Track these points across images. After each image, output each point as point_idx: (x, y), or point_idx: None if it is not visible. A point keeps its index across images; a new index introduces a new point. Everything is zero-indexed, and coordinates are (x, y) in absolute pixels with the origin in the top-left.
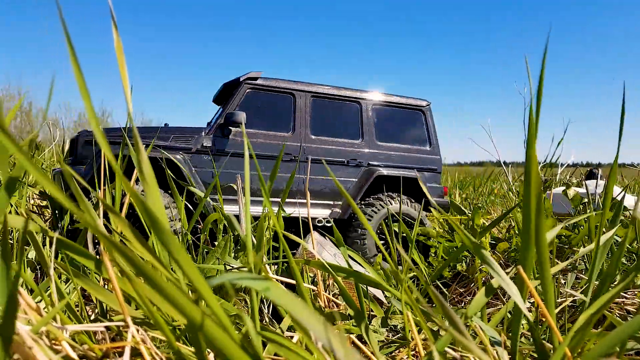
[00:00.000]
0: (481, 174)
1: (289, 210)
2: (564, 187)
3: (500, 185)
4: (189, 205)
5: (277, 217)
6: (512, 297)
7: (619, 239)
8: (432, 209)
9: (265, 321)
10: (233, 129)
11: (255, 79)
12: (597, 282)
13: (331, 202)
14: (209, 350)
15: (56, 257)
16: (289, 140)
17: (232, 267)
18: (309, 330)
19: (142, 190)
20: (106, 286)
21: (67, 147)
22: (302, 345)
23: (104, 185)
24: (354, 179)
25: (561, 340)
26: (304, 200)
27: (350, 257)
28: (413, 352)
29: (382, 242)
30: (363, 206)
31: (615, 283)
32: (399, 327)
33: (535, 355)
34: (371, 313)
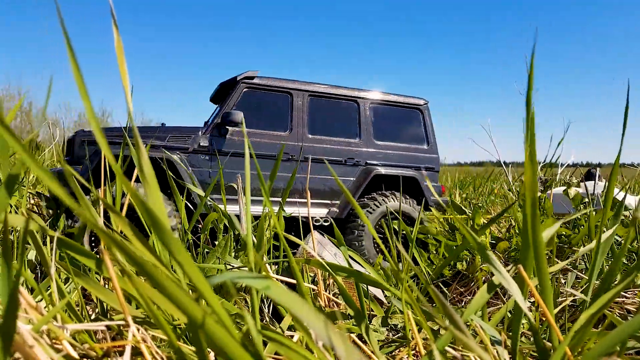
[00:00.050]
0: (481, 174)
1: (288, 210)
2: (564, 187)
3: (500, 185)
4: (190, 205)
5: (278, 217)
6: (512, 296)
7: (620, 239)
8: (432, 208)
9: (266, 320)
10: (230, 128)
11: (252, 78)
12: (597, 282)
13: (329, 202)
14: (209, 349)
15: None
16: (286, 139)
17: (233, 266)
18: (310, 329)
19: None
20: (106, 285)
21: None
22: (302, 345)
23: (104, 184)
24: (351, 178)
25: (561, 339)
26: (302, 200)
27: (350, 257)
28: (413, 352)
29: (381, 239)
30: (359, 202)
31: (616, 283)
32: (399, 326)
33: (536, 354)
34: (371, 313)
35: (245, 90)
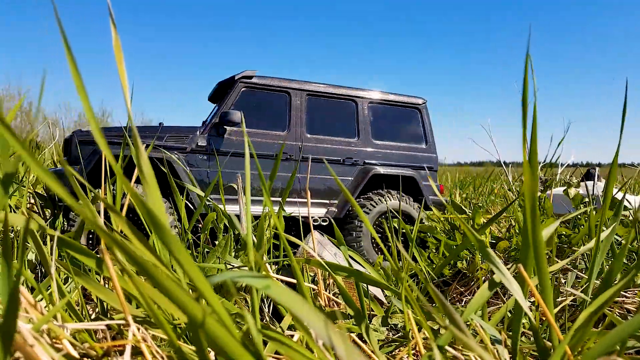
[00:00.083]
0: (481, 174)
1: (287, 210)
2: (564, 188)
3: (500, 185)
4: (188, 205)
5: (278, 217)
6: (512, 295)
7: (620, 239)
8: (433, 207)
9: (266, 320)
10: (228, 128)
11: (250, 77)
12: (597, 282)
13: (327, 201)
14: (210, 348)
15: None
16: (285, 139)
17: (233, 265)
18: (310, 328)
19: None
20: (107, 285)
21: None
22: (302, 344)
23: (105, 184)
24: (349, 178)
25: (561, 338)
26: (300, 200)
27: (350, 256)
28: (413, 351)
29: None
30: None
31: (616, 282)
32: (399, 326)
33: (536, 354)
34: (371, 312)
35: (243, 89)
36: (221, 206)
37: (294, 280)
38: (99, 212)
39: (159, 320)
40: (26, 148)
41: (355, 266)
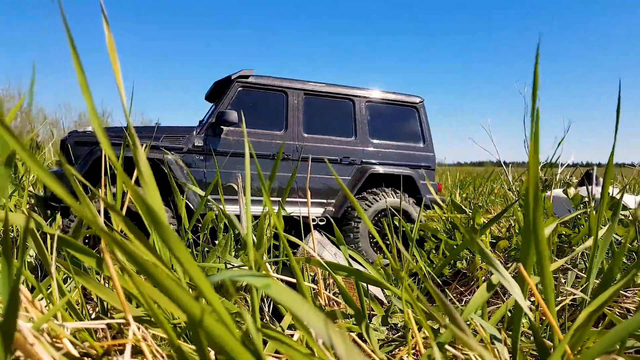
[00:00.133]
0: (481, 174)
1: (285, 209)
2: (564, 188)
3: (500, 185)
4: (190, 204)
5: (278, 216)
6: (512, 295)
7: (620, 239)
8: (434, 206)
9: (266, 320)
10: (225, 128)
11: (247, 77)
12: (597, 281)
13: (324, 201)
14: (209, 347)
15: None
16: (282, 138)
17: (233, 265)
18: (310, 328)
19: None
20: (107, 284)
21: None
22: (302, 343)
23: (105, 184)
24: (347, 177)
25: (561, 337)
26: (297, 199)
27: (350, 256)
28: (413, 351)
29: (375, 239)
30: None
31: (616, 281)
32: (399, 325)
33: (536, 353)
34: (371, 312)
35: (240, 89)
36: (220, 206)
37: (294, 280)
38: (98, 212)
39: (159, 319)
40: (25, 148)
41: (355, 266)
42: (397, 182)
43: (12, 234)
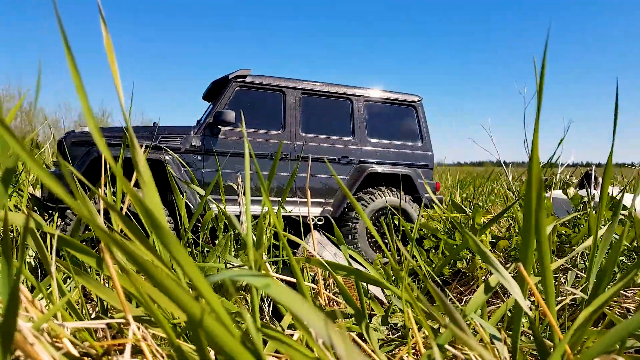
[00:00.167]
0: (481, 174)
1: (277, 208)
2: (564, 188)
3: (500, 185)
4: (190, 204)
5: (277, 216)
6: (512, 295)
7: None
8: (435, 206)
9: (266, 319)
10: (222, 127)
11: (245, 76)
12: (597, 281)
13: (322, 200)
14: (209, 347)
15: (57, 255)
16: (280, 138)
17: (233, 265)
18: (310, 327)
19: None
20: (107, 284)
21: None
22: (302, 343)
23: (104, 184)
24: (345, 177)
25: (561, 337)
26: (294, 199)
27: (350, 256)
28: (413, 350)
29: (374, 238)
30: (349, 203)
31: (616, 281)
32: (399, 325)
33: (536, 353)
34: (371, 312)
35: (237, 88)
36: (220, 206)
37: (294, 280)
38: (98, 212)
39: (158, 319)
40: (25, 149)
41: (355, 265)
42: (395, 181)
43: (12, 234)
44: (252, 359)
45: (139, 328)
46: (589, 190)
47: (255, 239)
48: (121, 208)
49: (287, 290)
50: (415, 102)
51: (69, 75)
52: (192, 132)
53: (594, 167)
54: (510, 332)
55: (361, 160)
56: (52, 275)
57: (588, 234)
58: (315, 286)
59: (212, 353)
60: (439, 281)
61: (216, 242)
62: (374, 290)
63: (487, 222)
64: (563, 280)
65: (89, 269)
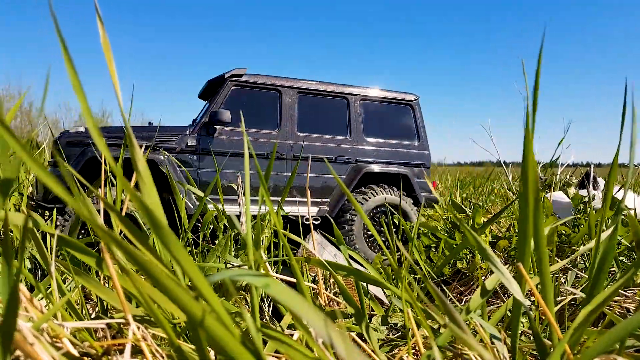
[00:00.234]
0: (481, 174)
1: (276, 208)
2: (564, 187)
3: (500, 185)
4: (191, 204)
5: (277, 216)
6: (512, 293)
7: (620, 239)
8: (436, 206)
9: (266, 319)
10: (218, 127)
11: (241, 75)
12: (594, 280)
13: (319, 200)
14: (209, 347)
15: (56, 255)
16: (276, 137)
17: (233, 265)
18: (310, 327)
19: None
20: (107, 284)
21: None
22: (302, 343)
23: (104, 185)
24: (342, 176)
25: (561, 337)
26: (293, 199)
27: (350, 256)
28: (413, 350)
29: (372, 238)
30: (346, 202)
31: (616, 280)
32: (399, 325)
33: (535, 352)
34: (371, 312)
35: (233, 88)
36: (219, 206)
37: (294, 280)
38: (98, 212)
39: (158, 319)
40: (25, 148)
41: (355, 266)
42: (392, 180)
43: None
44: (252, 359)
45: (138, 328)
46: (589, 190)
47: (253, 238)
48: (121, 208)
49: (287, 290)
50: (411, 101)
51: (68, 75)
52: (187, 131)
53: (592, 167)
54: (510, 332)
55: (358, 160)
56: (51, 275)
57: (588, 233)
58: (315, 286)
59: (212, 353)
60: (438, 282)
61: (216, 242)
62: (374, 290)
63: (486, 221)
64: (563, 280)
65: (88, 269)
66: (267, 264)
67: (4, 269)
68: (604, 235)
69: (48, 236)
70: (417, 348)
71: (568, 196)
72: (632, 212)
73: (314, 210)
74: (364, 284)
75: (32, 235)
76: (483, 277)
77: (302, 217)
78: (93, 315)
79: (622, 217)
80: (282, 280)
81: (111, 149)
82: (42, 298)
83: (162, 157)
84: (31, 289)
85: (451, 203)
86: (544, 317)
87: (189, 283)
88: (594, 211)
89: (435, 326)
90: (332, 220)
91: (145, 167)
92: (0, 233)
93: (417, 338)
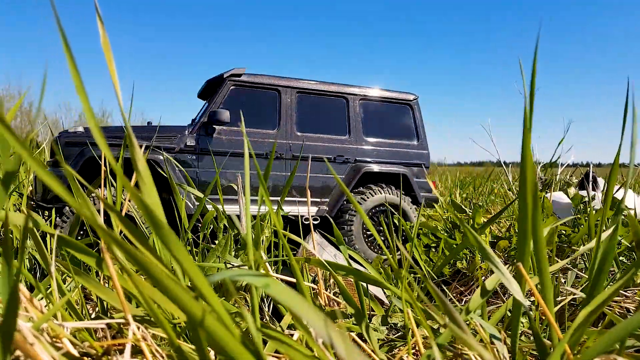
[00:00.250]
0: (481, 174)
1: (275, 208)
2: (564, 187)
3: (500, 185)
4: (191, 204)
5: (277, 216)
6: (511, 293)
7: (621, 239)
8: (435, 205)
9: (266, 319)
10: (217, 127)
11: (240, 75)
12: (594, 280)
13: (318, 200)
14: (209, 347)
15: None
16: (275, 137)
17: (233, 265)
18: (310, 327)
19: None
20: (107, 284)
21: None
22: (302, 343)
23: (104, 185)
24: (341, 176)
25: (561, 337)
26: (292, 198)
27: (350, 256)
28: (413, 351)
29: (371, 238)
30: (345, 202)
31: (616, 280)
32: (399, 325)
33: (535, 352)
34: (372, 312)
35: (232, 87)
36: (219, 206)
37: (294, 280)
38: (98, 212)
39: (158, 319)
40: (26, 148)
41: (355, 266)
42: (391, 180)
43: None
44: (252, 359)
45: (138, 328)
46: (588, 190)
47: (253, 238)
48: (120, 208)
49: (287, 290)
50: (411, 100)
51: (69, 75)
52: (186, 131)
53: (591, 167)
54: (510, 332)
55: (357, 159)
56: (51, 275)
57: (588, 233)
58: (315, 286)
59: (212, 353)
60: (438, 282)
61: (216, 242)
62: (374, 290)
63: (486, 221)
64: (563, 280)
65: (88, 269)
66: (267, 264)
67: (4, 269)
68: (604, 235)
69: (48, 236)
70: (417, 348)
71: (568, 196)
72: (632, 212)
73: (313, 210)
74: (364, 284)
75: (32, 235)
76: (483, 277)
77: (301, 216)
78: (93, 316)
79: (622, 217)
80: (282, 280)
81: (110, 149)
82: (42, 298)
83: (161, 157)
84: (31, 289)
85: (451, 203)
86: (544, 317)
87: (189, 283)
88: (594, 211)
89: (435, 326)
90: (331, 220)
91: (145, 167)
92: (0, 233)
93: (417, 338)
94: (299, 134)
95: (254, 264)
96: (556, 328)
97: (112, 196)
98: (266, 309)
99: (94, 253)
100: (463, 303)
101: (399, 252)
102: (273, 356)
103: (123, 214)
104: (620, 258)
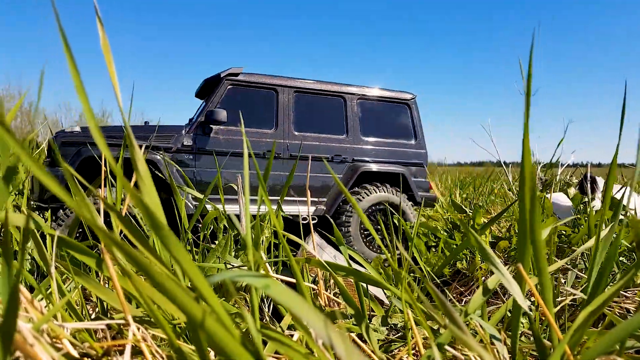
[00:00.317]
0: (481, 174)
1: (275, 208)
2: (564, 189)
3: (500, 185)
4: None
5: (277, 216)
6: (511, 293)
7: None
8: (436, 205)
9: (266, 320)
10: (214, 126)
11: (237, 74)
12: (595, 281)
13: (316, 199)
14: (209, 348)
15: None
16: (272, 137)
17: (233, 265)
18: (310, 328)
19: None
20: (107, 285)
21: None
22: (302, 344)
23: (105, 185)
24: (339, 175)
25: (561, 337)
26: (289, 198)
27: (350, 257)
28: (413, 351)
29: (369, 238)
30: (341, 203)
31: (616, 281)
32: (399, 325)
33: (535, 353)
34: (372, 313)
35: (229, 87)
36: (219, 206)
37: (294, 280)
38: (98, 212)
39: (158, 319)
40: (26, 149)
41: (355, 266)
42: (388, 179)
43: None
44: (252, 359)
45: (138, 329)
46: (587, 191)
47: (253, 238)
48: (121, 209)
49: (287, 290)
50: (409, 99)
51: (69, 75)
52: (183, 131)
53: (588, 167)
54: (510, 333)
55: (354, 159)
56: (51, 275)
57: (588, 233)
58: (315, 287)
59: (212, 354)
60: (438, 282)
61: (216, 242)
62: (375, 290)
63: (487, 222)
64: (563, 281)
65: (89, 270)
66: (267, 264)
67: (4, 269)
68: (604, 234)
69: (47, 237)
70: (417, 348)
71: (568, 196)
72: (632, 212)
73: (311, 209)
74: (364, 285)
75: (33, 236)
76: (483, 278)
77: (300, 216)
78: (93, 316)
79: (622, 217)
80: (282, 280)
81: (111, 148)
82: (42, 299)
83: (158, 157)
84: (31, 289)
85: (451, 203)
86: (544, 318)
87: (189, 284)
88: (594, 212)
89: (435, 327)
90: (331, 220)
91: (145, 167)
92: (0, 234)
93: (417, 338)
94: (296, 133)
95: (254, 265)
96: (556, 329)
97: (111, 196)
98: (266, 310)
99: (94, 254)
100: (463, 303)
101: (398, 252)
102: (273, 357)
103: (123, 214)
104: (620, 258)
